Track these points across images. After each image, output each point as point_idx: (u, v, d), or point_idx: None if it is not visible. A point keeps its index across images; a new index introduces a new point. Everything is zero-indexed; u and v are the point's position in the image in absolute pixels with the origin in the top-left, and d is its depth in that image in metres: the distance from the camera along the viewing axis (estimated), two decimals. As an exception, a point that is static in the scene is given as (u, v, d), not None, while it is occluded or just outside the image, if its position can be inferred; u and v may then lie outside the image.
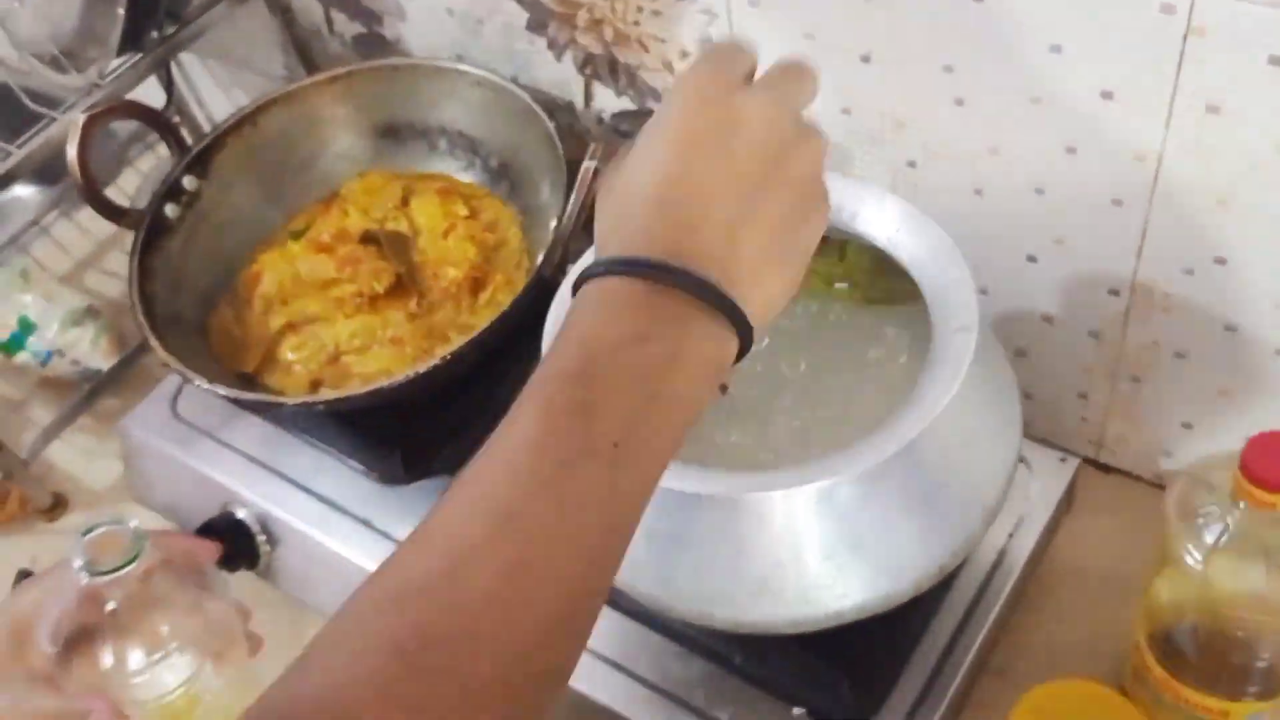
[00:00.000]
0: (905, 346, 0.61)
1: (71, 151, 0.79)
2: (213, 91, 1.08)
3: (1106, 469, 0.80)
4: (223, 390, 0.72)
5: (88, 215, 1.13)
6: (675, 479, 0.53)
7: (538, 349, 0.81)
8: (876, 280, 0.63)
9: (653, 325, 0.38)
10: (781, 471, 0.52)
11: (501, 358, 0.79)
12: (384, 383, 0.70)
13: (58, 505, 0.96)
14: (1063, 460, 0.71)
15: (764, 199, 0.41)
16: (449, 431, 0.78)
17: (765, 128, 0.41)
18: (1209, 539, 0.55)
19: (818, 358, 0.61)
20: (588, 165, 0.69)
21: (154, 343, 0.75)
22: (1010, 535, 0.68)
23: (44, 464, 0.97)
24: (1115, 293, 0.69)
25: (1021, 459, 0.70)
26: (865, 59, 0.67)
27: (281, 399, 0.73)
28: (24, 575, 0.90)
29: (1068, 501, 0.73)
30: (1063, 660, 0.70)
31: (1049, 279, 0.71)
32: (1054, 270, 0.70)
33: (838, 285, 0.64)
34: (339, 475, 0.79)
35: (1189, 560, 0.55)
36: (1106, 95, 0.60)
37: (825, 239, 0.64)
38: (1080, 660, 0.69)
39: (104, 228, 1.13)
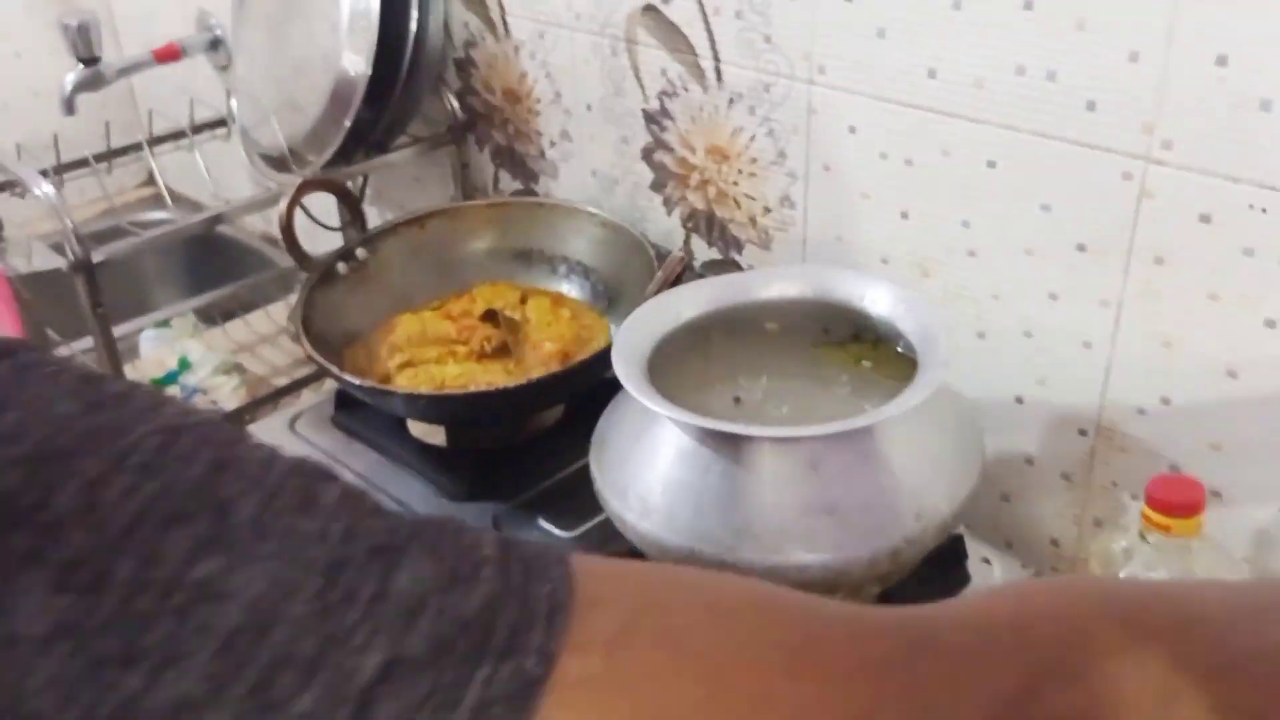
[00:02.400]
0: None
1: (282, 204, 1.02)
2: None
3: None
4: (349, 379, 0.89)
5: (256, 316, 1.37)
6: (693, 419, 0.67)
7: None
8: (894, 365, 0.79)
9: None
10: (775, 425, 0.66)
11: (560, 433, 0.96)
12: (473, 388, 0.86)
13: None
14: (1024, 567, 0.81)
15: None
16: (508, 470, 0.93)
17: None
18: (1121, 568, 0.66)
19: (811, 402, 0.77)
20: (675, 254, 0.88)
21: (307, 346, 0.93)
22: (969, 614, 0.78)
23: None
24: (1084, 433, 0.82)
25: (986, 559, 0.82)
26: (905, 215, 0.86)
27: (394, 388, 0.89)
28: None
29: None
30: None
31: (1032, 420, 0.85)
32: (1036, 412, 0.85)
33: (864, 363, 0.80)
34: (418, 491, 0.93)
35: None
36: (1081, 248, 0.77)
37: (860, 337, 0.81)
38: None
39: (262, 327, 1.35)
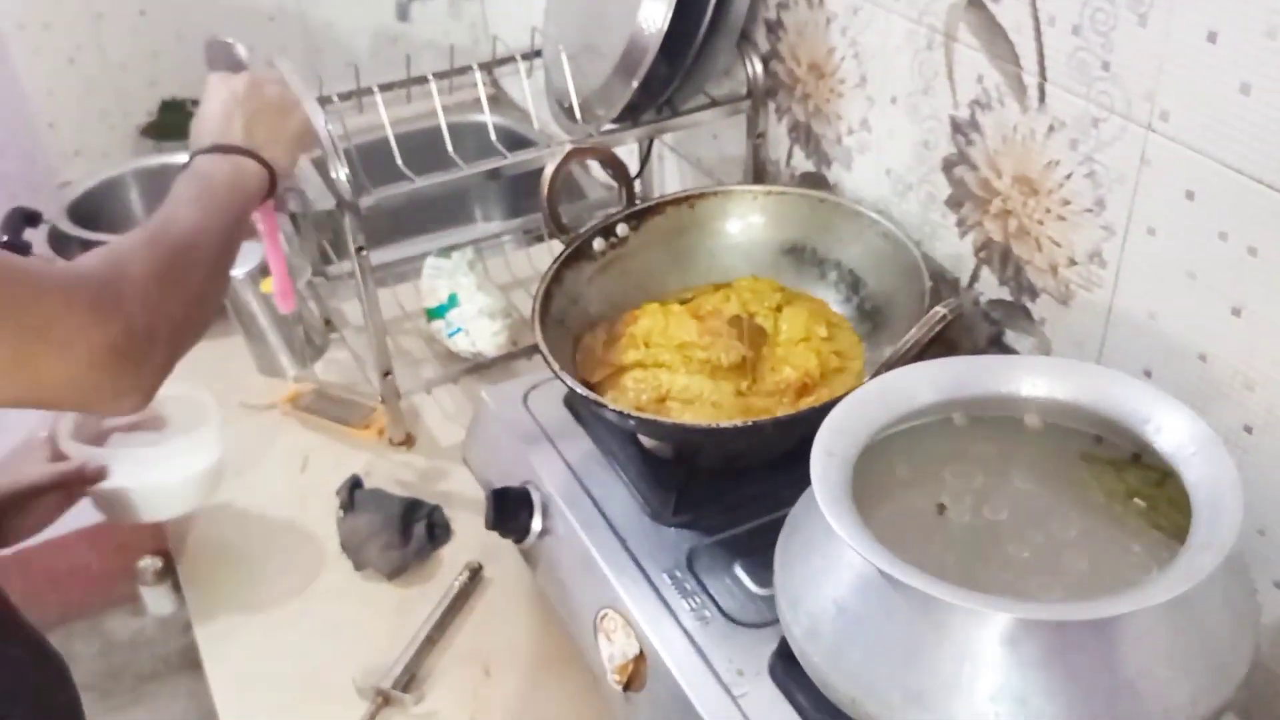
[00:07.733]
0: (1147, 568, 0.61)
1: (549, 168, 0.97)
2: (670, 182, 1.25)
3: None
4: (569, 380, 0.83)
5: (540, 250, 1.34)
6: (882, 560, 0.56)
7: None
8: (1172, 514, 0.63)
9: (226, 164, 0.85)
10: (979, 593, 0.54)
11: (788, 464, 0.86)
12: (688, 422, 0.78)
13: (405, 442, 1.12)
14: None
15: (258, 111, 0.89)
16: (720, 499, 0.85)
17: (245, 85, 0.90)
18: None
19: (1048, 531, 0.63)
20: (938, 310, 0.75)
21: (537, 330, 0.89)
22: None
23: (410, 407, 1.14)
24: None
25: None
26: (1236, 311, 0.69)
27: (605, 402, 0.83)
28: (355, 483, 1.06)
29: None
30: None
31: (1354, 598, 0.67)
32: (1362, 590, 0.67)
33: (1136, 500, 0.65)
34: (621, 499, 0.87)
35: None
36: None
37: (1142, 460, 0.66)
38: None
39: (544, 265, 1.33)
